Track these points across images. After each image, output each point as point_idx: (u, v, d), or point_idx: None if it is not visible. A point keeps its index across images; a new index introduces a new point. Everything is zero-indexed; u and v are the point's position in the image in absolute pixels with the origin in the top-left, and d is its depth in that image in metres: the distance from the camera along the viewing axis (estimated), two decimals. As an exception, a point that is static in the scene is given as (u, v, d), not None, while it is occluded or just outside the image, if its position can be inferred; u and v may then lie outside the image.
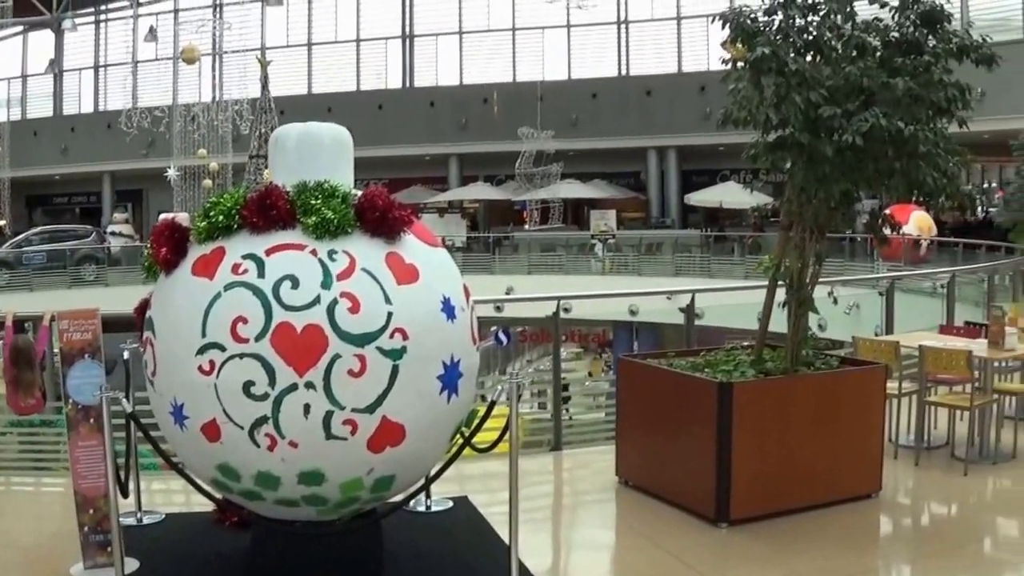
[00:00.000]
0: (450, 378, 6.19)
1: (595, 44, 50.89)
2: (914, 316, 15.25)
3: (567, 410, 11.90)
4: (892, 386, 10.23)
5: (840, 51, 8.29)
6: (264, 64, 42.08)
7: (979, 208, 49.37)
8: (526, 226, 46.53)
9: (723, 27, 8.24)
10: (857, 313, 18.17)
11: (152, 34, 49.92)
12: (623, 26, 50.16)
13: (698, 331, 11.71)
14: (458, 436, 6.76)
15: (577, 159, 47.36)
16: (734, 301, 13.98)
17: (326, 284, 5.82)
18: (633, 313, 27.26)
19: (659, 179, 49.63)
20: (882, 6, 8.58)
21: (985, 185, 65.82)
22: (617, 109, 47.60)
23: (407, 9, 53.43)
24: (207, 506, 7.05)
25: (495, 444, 7.14)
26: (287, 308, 5.76)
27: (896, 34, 8.32)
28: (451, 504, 8.36)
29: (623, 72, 50.11)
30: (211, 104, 47.82)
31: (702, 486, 8.24)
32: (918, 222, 30.34)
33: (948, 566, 7.70)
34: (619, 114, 47.46)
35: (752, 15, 8.22)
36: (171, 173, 44.93)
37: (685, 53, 47.96)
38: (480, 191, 50.77)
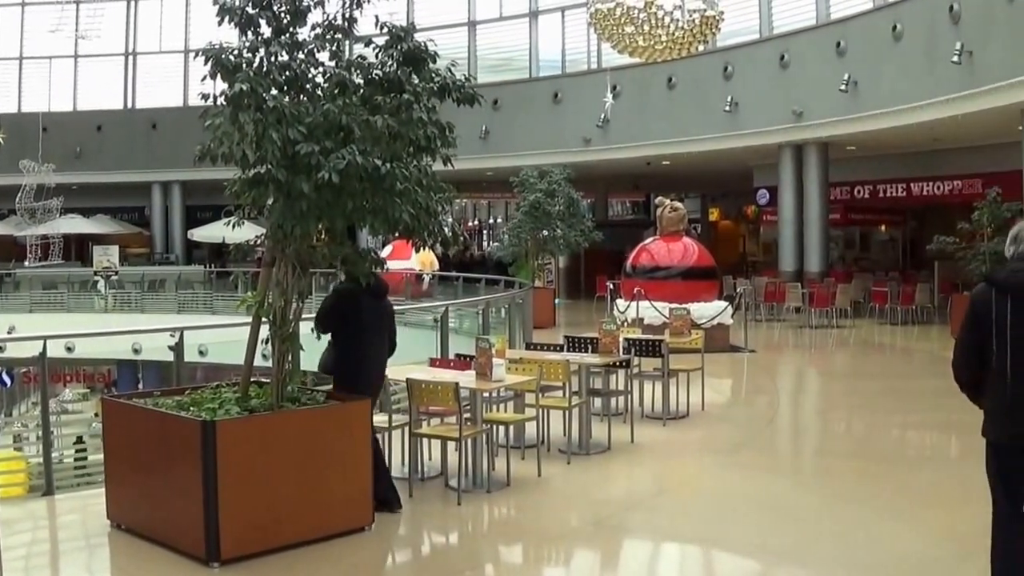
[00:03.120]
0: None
1: (102, 75, 49.49)
2: (416, 349, 15.57)
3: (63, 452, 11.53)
4: (384, 419, 10.46)
5: (324, 88, 8.43)
6: None
7: (485, 243, 51.10)
8: (26, 262, 44.75)
9: (205, 63, 8.20)
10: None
11: None
12: (131, 58, 49.10)
13: (206, 368, 11.57)
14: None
15: (81, 193, 45.90)
16: (243, 337, 13.95)
17: None
18: (136, 352, 26.69)
19: (163, 214, 48.92)
20: (367, 44, 8.77)
21: (492, 221, 68.33)
22: (123, 142, 46.50)
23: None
24: None
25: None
26: None
27: (379, 72, 8.52)
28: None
29: (129, 105, 49.02)
30: None
31: (191, 526, 8.17)
32: (420, 257, 31.01)
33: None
34: (125, 147, 46.37)
35: (235, 51, 8.21)
36: None
37: (191, 86, 47.38)
38: (-18, 226, 48.38)
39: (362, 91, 8.41)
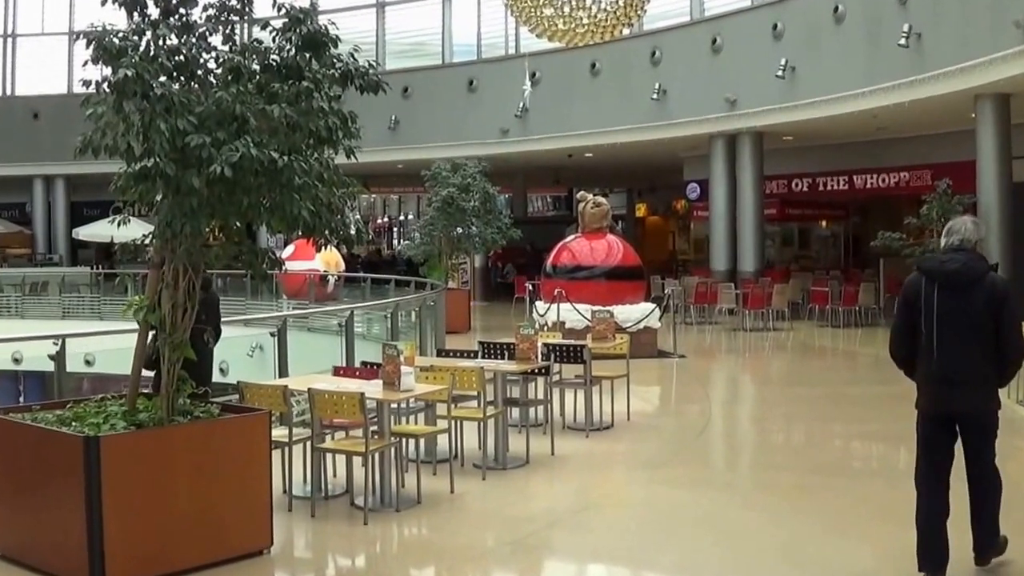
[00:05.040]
0: None
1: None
2: (320, 356, 15.50)
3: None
4: (284, 433, 10.39)
5: (216, 75, 8.35)
6: None
7: (395, 241, 50.97)
8: (-103, 265, 44.29)
9: (87, 46, 8.09)
10: (261, 355, 18.34)
11: None
12: (10, 40, 48.53)
13: (93, 379, 11.40)
14: None
15: (-44, 189, 45.60)
16: (133, 345, 13.81)
17: None
18: (17, 361, 26.31)
19: (46, 211, 48.45)
20: (263, 27, 8.70)
21: (402, 217, 68.19)
22: (1, 133, 45.95)
23: None
24: None
25: None
26: None
27: (277, 58, 8.45)
28: None
29: (8, 92, 48.43)
30: None
31: (74, 552, 8.05)
32: (325, 257, 30.81)
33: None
34: (3, 138, 45.79)
35: (119, 34, 8.11)
36: None
37: (76, 72, 46.90)
38: None
39: (258, 78, 8.32)
